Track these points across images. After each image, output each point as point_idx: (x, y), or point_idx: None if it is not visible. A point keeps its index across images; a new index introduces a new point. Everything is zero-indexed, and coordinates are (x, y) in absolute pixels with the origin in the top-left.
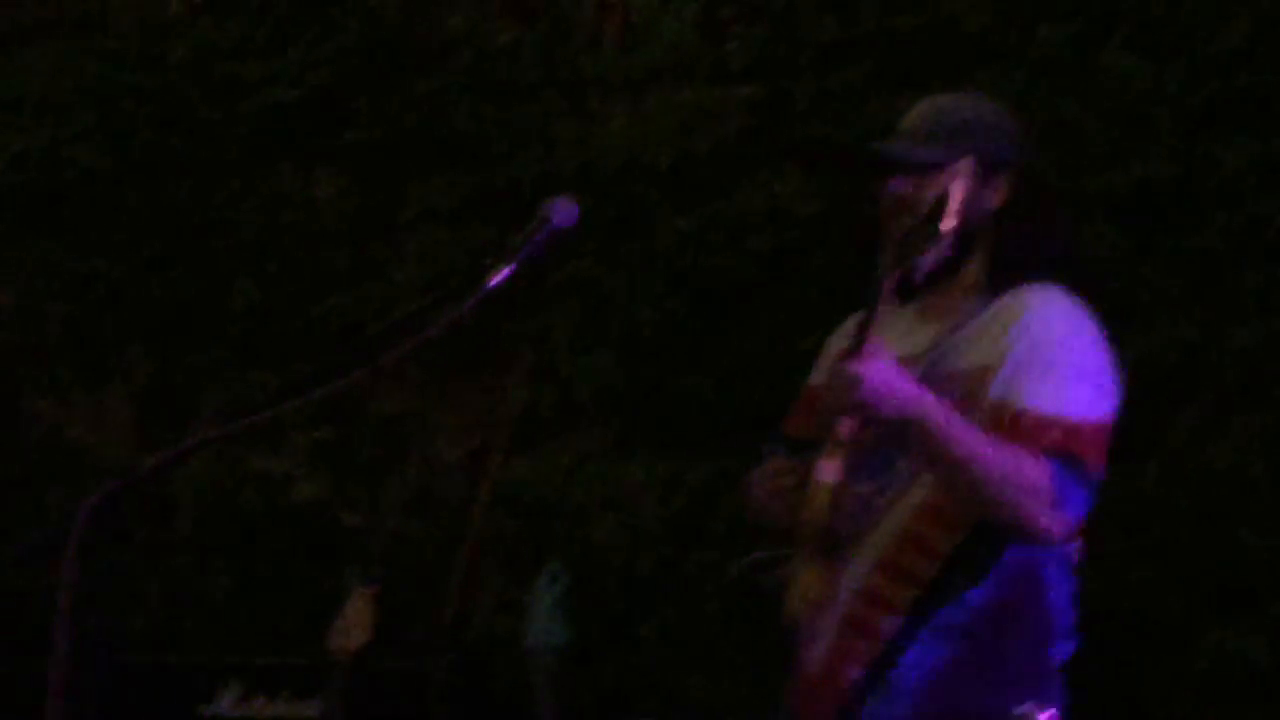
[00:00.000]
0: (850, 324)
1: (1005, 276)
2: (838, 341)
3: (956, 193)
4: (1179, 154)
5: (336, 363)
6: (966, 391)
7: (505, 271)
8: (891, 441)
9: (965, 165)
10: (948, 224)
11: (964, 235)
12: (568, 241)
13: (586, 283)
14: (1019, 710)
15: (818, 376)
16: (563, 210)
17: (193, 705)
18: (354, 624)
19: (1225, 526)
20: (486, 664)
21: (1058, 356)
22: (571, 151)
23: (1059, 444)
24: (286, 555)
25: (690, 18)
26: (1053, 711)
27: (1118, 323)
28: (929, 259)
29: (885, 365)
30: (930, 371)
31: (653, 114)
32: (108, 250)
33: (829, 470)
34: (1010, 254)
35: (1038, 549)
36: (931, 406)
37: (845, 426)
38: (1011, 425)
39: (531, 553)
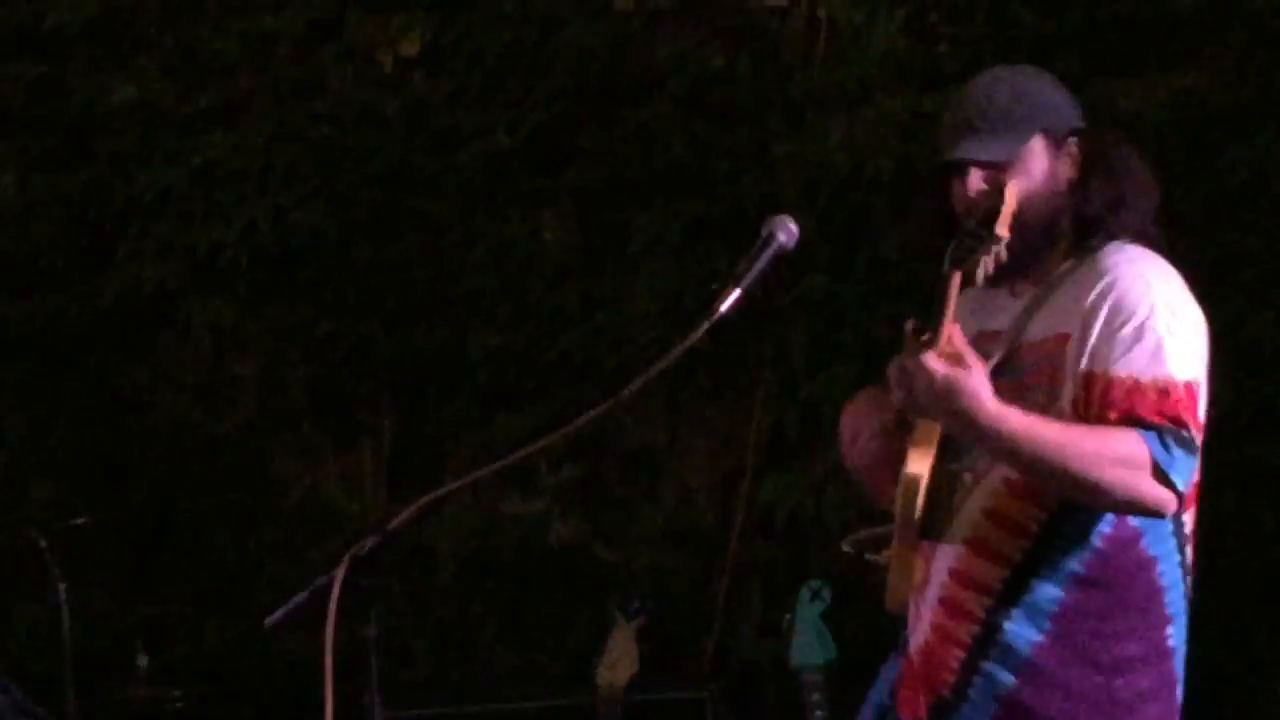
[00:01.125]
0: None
1: (1089, 244)
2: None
3: (1010, 199)
4: None
5: (578, 400)
6: (1047, 361)
7: (733, 295)
8: None
9: (1037, 145)
10: (1002, 229)
11: (1042, 220)
12: (796, 260)
13: (819, 299)
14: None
15: None
16: (785, 229)
17: None
18: (620, 658)
19: None
20: (754, 688)
21: (1144, 318)
22: (792, 170)
23: (1155, 410)
24: (548, 596)
25: (898, 25)
26: None
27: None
28: (990, 261)
29: (979, 377)
30: (1013, 344)
31: (871, 124)
32: (343, 311)
33: (920, 461)
34: (1093, 221)
35: (1133, 520)
36: (1012, 422)
37: None
38: (1104, 394)
39: (789, 574)
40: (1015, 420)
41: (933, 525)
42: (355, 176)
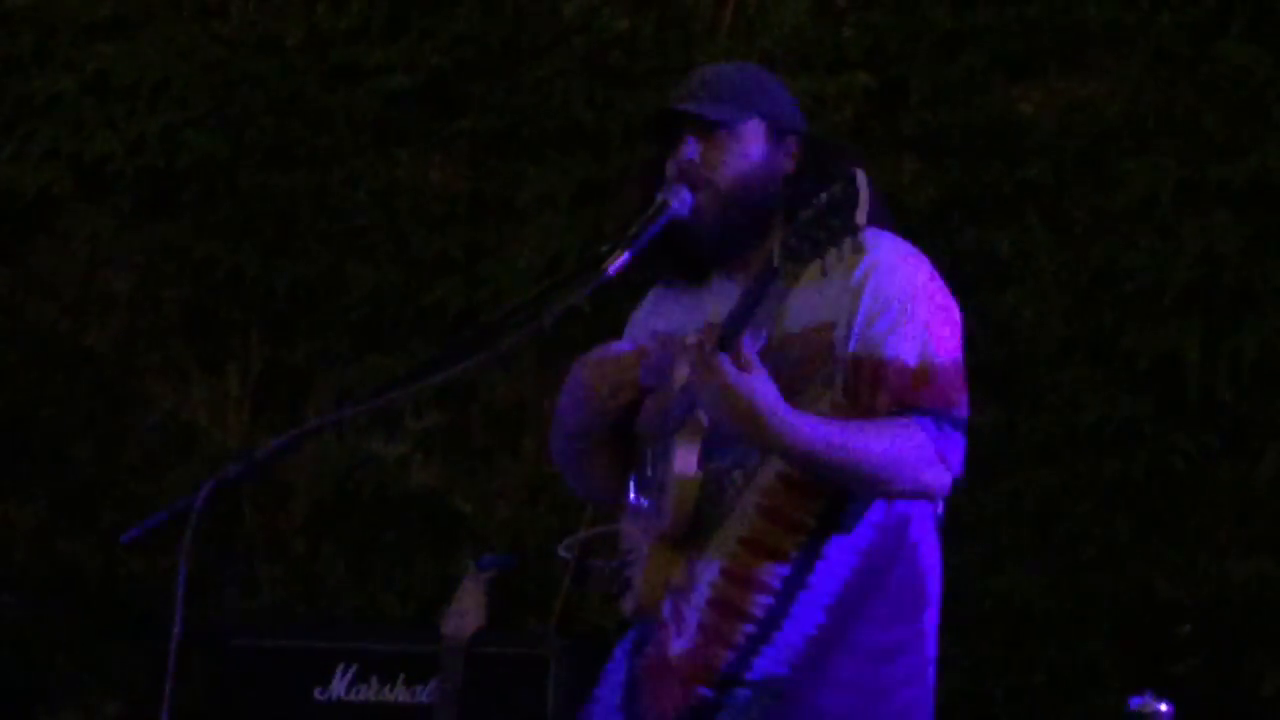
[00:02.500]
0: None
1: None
2: (654, 317)
3: (864, 187)
4: None
5: (452, 348)
6: (814, 352)
7: (623, 259)
8: None
9: (756, 127)
10: (862, 217)
11: (756, 202)
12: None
13: None
14: (1138, 703)
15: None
16: (679, 197)
17: (306, 689)
18: (468, 609)
19: None
20: (598, 651)
21: (910, 300)
22: None
23: (927, 393)
24: (401, 540)
25: (806, 6)
26: (1170, 707)
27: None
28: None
29: (770, 384)
30: (770, 336)
31: None
32: (224, 235)
33: (690, 460)
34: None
35: (900, 506)
36: (804, 428)
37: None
38: (874, 378)
39: None
40: (806, 426)
41: (701, 525)
42: (249, 102)
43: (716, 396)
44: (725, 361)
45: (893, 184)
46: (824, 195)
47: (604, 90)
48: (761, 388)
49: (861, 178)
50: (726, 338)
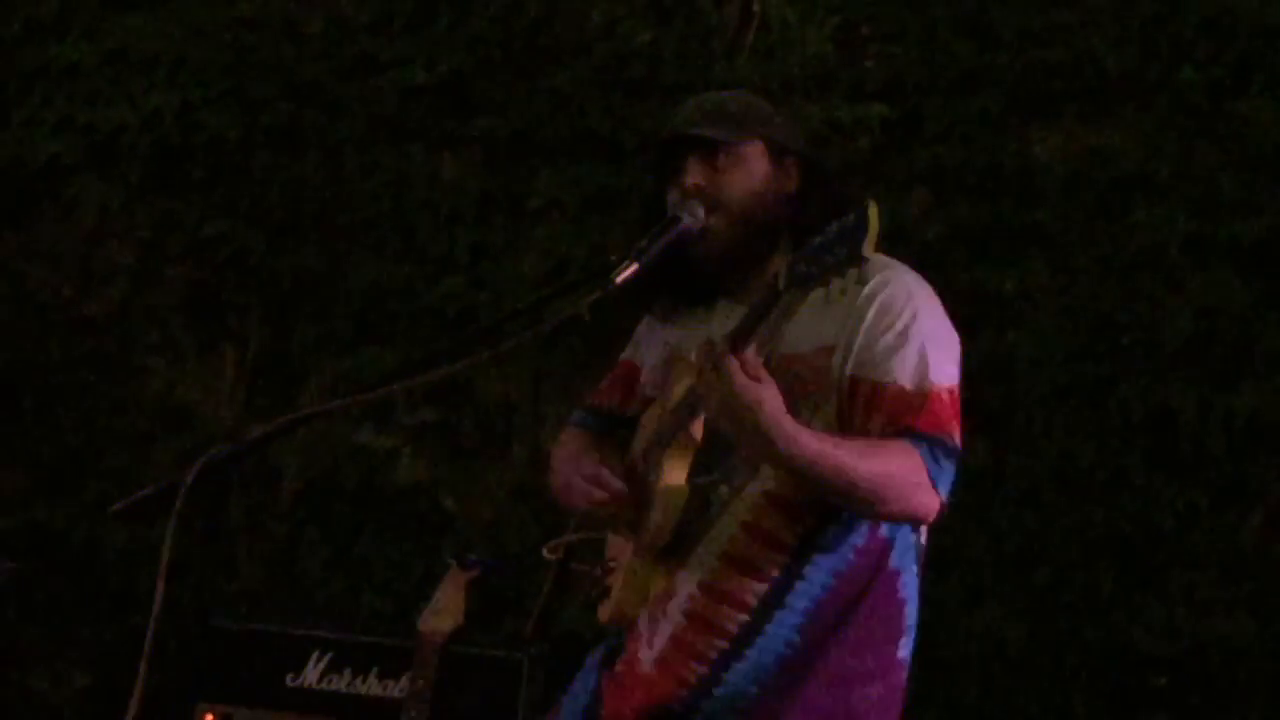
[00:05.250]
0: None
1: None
2: (669, 332)
3: (874, 219)
4: None
5: (450, 346)
6: (811, 374)
7: (630, 269)
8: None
9: (758, 148)
10: (869, 249)
11: (765, 222)
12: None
13: None
14: None
15: (634, 352)
16: (691, 213)
17: (280, 674)
18: (446, 607)
19: None
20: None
21: (907, 324)
22: None
23: (923, 420)
24: (385, 533)
25: (829, 31)
26: None
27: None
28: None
29: (778, 397)
30: (769, 356)
31: None
32: (231, 216)
33: (678, 474)
34: (812, 234)
35: (883, 532)
36: (805, 443)
37: (699, 428)
38: (870, 401)
39: None
40: (807, 441)
41: (683, 539)
42: (267, 86)
43: (724, 400)
44: (735, 365)
45: (902, 216)
46: (835, 224)
47: (622, 101)
48: (769, 396)
49: (873, 209)
50: (736, 344)
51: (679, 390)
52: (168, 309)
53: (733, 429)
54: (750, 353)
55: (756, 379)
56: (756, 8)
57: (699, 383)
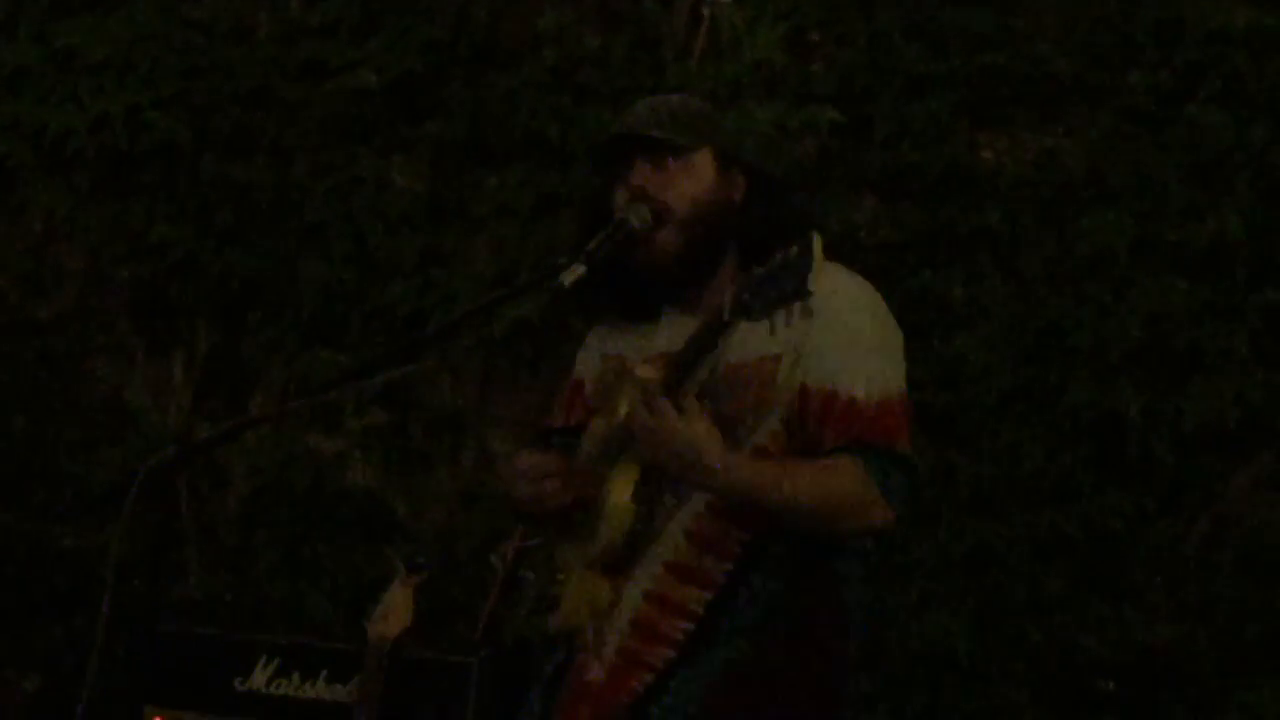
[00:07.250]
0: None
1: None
2: (614, 342)
3: (818, 250)
4: (1256, 213)
5: (399, 349)
6: (754, 385)
7: (579, 271)
8: None
9: (706, 156)
10: (814, 285)
11: (712, 230)
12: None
13: None
14: None
15: (582, 367)
16: (639, 215)
17: (228, 678)
18: (394, 611)
19: (1270, 589)
20: (521, 662)
21: (859, 333)
22: None
23: (874, 429)
24: (333, 537)
25: (779, 36)
26: None
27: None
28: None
29: (709, 427)
30: (712, 368)
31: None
32: (180, 220)
33: (625, 489)
34: (759, 244)
35: (829, 538)
36: (742, 473)
37: None
38: (821, 411)
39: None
40: (750, 475)
41: (630, 548)
42: (216, 90)
43: (657, 440)
44: (668, 406)
45: (850, 221)
46: (779, 255)
47: (571, 105)
48: (702, 434)
49: (816, 241)
50: (670, 382)
51: (623, 406)
52: (116, 312)
53: (669, 467)
54: (688, 396)
55: (689, 416)
56: (705, 12)
57: (634, 422)
